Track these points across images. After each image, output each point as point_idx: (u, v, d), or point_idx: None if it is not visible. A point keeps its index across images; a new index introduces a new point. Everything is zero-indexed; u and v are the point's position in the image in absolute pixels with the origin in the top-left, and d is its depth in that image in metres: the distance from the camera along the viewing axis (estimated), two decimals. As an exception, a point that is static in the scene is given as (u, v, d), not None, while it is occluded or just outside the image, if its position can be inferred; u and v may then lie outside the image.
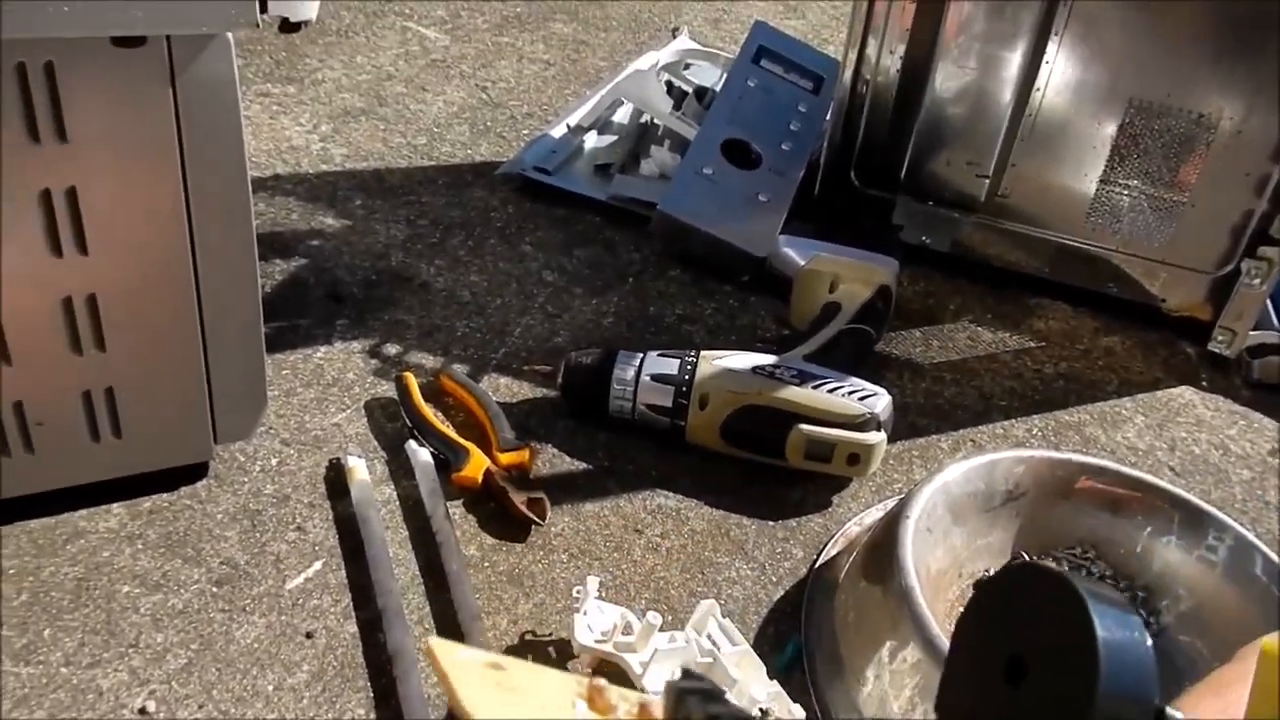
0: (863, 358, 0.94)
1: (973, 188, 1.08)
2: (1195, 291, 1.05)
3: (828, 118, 1.13)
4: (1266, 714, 0.41)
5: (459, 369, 0.90)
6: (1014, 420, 0.95)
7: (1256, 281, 1.00)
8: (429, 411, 0.83)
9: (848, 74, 1.06)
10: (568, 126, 1.22)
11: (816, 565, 0.77)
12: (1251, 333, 1.03)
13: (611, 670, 0.65)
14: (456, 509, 0.77)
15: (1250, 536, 0.73)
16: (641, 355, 0.85)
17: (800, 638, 0.71)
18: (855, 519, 0.82)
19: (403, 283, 1.00)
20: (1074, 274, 1.09)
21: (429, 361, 0.91)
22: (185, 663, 0.65)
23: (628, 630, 0.65)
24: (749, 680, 0.63)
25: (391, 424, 0.84)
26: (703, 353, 0.85)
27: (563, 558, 0.75)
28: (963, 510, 0.74)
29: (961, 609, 0.73)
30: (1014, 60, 1.01)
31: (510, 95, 1.33)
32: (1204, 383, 1.03)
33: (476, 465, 0.78)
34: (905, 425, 0.91)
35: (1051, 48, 0.99)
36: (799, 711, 0.63)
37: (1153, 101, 0.99)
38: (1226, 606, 0.71)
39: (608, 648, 0.64)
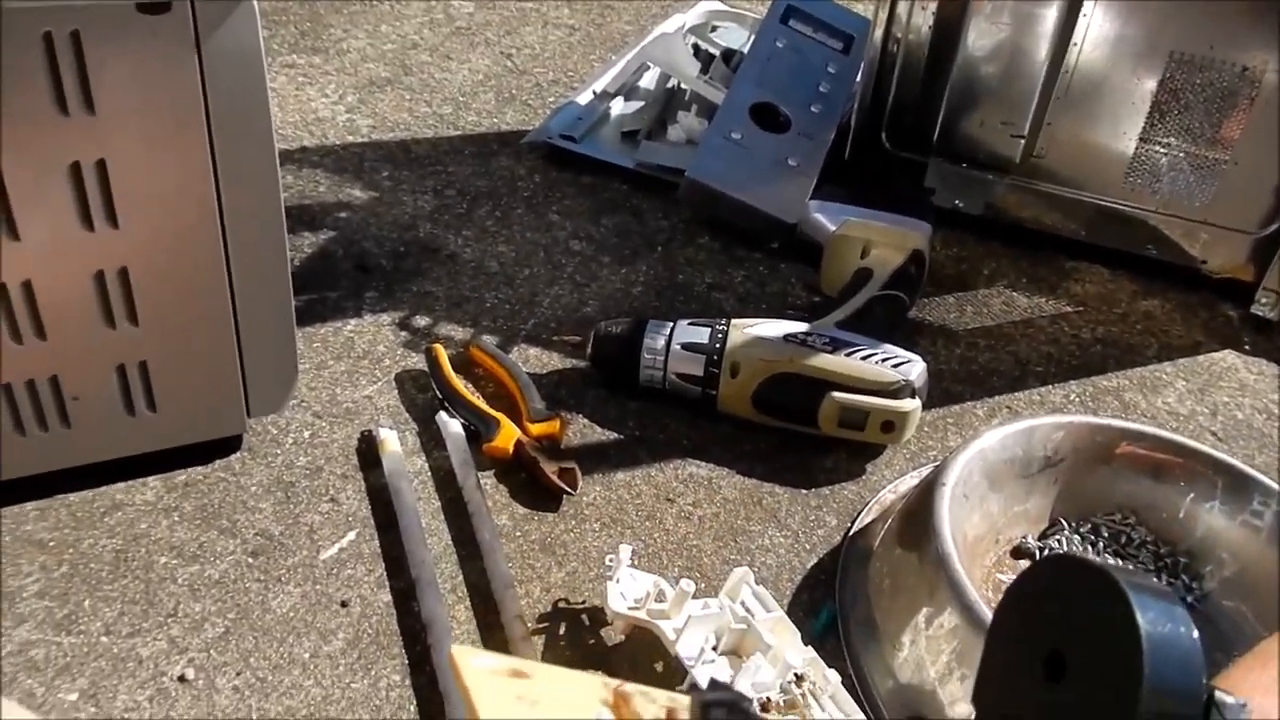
0: (896, 324, 0.93)
1: (1007, 148, 1.06)
2: (1237, 252, 1.02)
3: (858, 79, 1.11)
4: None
5: (488, 340, 0.89)
6: (1051, 386, 0.93)
7: (1302, 241, 0.98)
8: (459, 383, 0.83)
9: (878, 33, 1.04)
10: (593, 93, 1.21)
11: (851, 533, 0.77)
12: (1296, 294, 1.01)
13: (645, 637, 0.65)
14: (488, 479, 0.77)
15: (1296, 501, 0.71)
16: (671, 324, 0.84)
17: (835, 604, 0.71)
18: (890, 486, 0.81)
19: (431, 254, 1.00)
20: (1111, 236, 1.06)
21: (458, 333, 0.91)
22: (223, 631, 0.66)
23: (661, 598, 0.65)
24: (784, 646, 0.63)
25: (422, 395, 0.84)
26: (733, 321, 0.84)
27: (594, 527, 0.75)
28: (1000, 477, 0.73)
29: (998, 575, 0.73)
30: (1050, 15, 0.99)
31: (535, 62, 1.32)
32: (1247, 346, 1.01)
33: (507, 436, 0.78)
34: (940, 392, 0.90)
35: (1089, 1, 0.96)
36: (834, 676, 0.62)
37: (1194, 54, 0.96)
38: (1272, 572, 0.70)
39: (641, 614, 0.64)
